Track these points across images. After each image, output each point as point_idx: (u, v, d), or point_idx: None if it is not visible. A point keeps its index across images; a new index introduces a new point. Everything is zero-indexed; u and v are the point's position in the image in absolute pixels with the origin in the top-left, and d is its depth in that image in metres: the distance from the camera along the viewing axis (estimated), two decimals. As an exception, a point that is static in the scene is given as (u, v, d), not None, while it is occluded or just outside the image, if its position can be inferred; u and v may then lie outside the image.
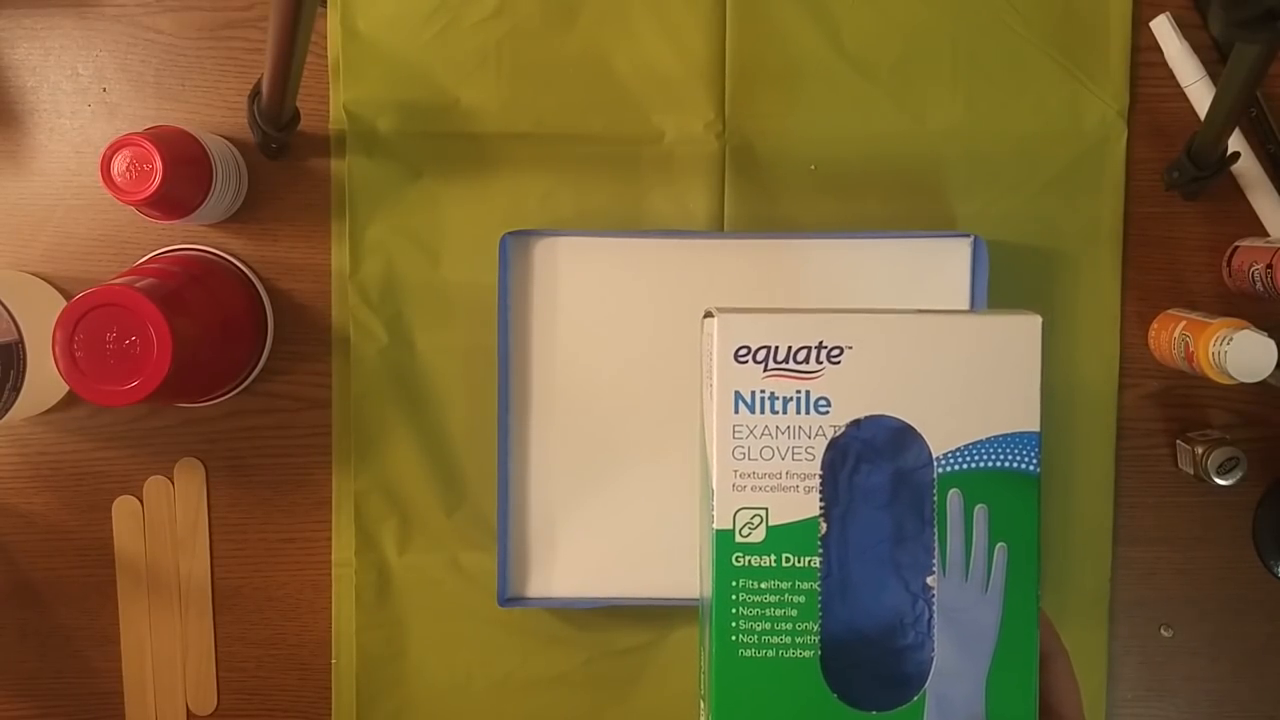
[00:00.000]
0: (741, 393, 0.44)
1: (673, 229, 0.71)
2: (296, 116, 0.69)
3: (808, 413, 0.44)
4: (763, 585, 0.44)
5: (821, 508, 0.44)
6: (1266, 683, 0.74)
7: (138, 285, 0.60)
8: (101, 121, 0.72)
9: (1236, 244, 0.71)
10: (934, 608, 0.44)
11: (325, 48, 0.72)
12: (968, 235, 0.69)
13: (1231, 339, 0.63)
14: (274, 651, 0.74)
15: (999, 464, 0.44)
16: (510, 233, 0.69)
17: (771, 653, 0.44)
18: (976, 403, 0.44)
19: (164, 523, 0.74)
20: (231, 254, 0.72)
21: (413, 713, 0.73)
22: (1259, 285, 0.67)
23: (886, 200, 0.72)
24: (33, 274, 0.72)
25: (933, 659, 0.44)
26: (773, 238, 0.70)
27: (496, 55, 0.71)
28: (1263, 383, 0.64)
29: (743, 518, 0.44)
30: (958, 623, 0.44)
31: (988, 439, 0.44)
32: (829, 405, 0.44)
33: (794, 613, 0.44)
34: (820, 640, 0.44)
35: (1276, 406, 0.73)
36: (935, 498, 0.44)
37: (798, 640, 0.44)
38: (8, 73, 0.72)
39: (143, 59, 0.72)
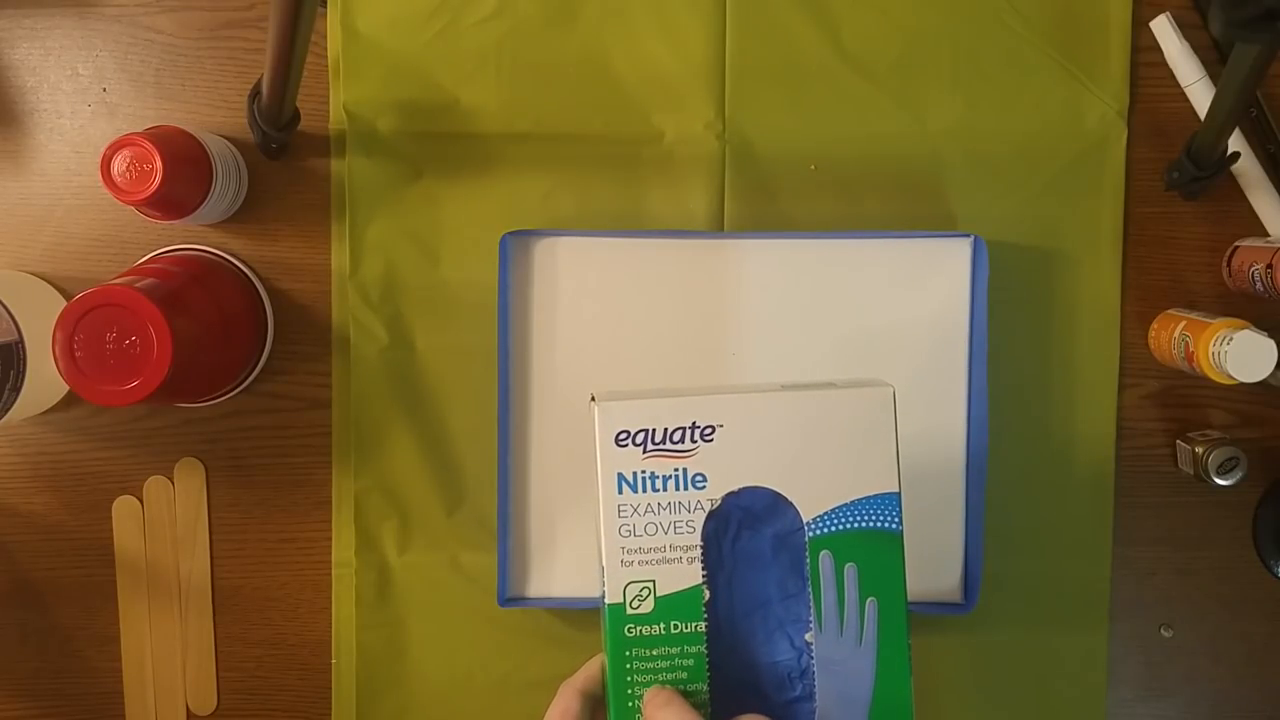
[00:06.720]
0: (624, 474, 0.47)
1: (673, 229, 0.71)
2: (296, 116, 0.69)
3: (686, 489, 0.47)
4: (654, 652, 0.47)
5: (704, 575, 0.47)
6: (1266, 683, 0.74)
7: (138, 285, 0.60)
8: (101, 121, 0.72)
9: (1236, 244, 0.71)
10: (814, 661, 0.48)
11: (325, 48, 0.72)
12: (968, 235, 0.69)
13: (1231, 339, 0.63)
14: (274, 651, 0.74)
15: (864, 524, 0.48)
16: (510, 233, 0.69)
17: None
18: (840, 469, 0.48)
19: (164, 523, 0.74)
20: (231, 254, 0.72)
21: (413, 713, 0.73)
22: (1259, 285, 0.67)
23: (886, 200, 0.72)
24: (33, 274, 0.72)
25: (816, 709, 0.48)
26: (773, 238, 0.70)
27: (496, 55, 0.71)
28: (1263, 383, 0.64)
29: (632, 591, 0.47)
30: (836, 674, 0.47)
31: (852, 501, 0.48)
32: (705, 480, 0.47)
33: (684, 675, 0.47)
34: (710, 699, 0.47)
35: (1276, 406, 0.73)
36: (809, 559, 0.47)
37: (690, 701, 0.47)
38: (8, 73, 0.72)
39: (143, 59, 0.72)
